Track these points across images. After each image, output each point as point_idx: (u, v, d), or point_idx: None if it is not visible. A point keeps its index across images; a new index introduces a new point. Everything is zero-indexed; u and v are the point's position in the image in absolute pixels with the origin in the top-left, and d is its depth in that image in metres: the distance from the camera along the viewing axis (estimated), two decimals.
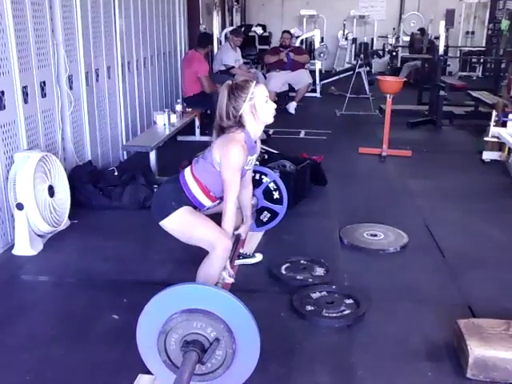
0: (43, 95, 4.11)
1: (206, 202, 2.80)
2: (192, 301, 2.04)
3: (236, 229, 3.02)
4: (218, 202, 2.83)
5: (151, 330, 2.07)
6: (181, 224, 2.75)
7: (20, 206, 3.50)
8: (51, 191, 3.73)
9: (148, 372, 2.30)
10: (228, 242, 2.66)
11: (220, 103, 2.71)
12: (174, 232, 2.78)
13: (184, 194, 2.75)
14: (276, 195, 3.81)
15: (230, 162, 2.63)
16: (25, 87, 3.83)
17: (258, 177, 3.76)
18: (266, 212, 3.85)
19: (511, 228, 4.21)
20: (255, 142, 2.85)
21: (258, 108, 2.69)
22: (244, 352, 2.07)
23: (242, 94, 2.67)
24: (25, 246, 3.56)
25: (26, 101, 3.85)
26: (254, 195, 3.64)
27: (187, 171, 2.80)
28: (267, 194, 3.82)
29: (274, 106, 2.77)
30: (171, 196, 2.77)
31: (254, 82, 2.73)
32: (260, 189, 3.77)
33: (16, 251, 3.57)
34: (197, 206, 2.79)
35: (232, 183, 2.66)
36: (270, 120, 2.78)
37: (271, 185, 3.82)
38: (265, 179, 3.83)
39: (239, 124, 2.71)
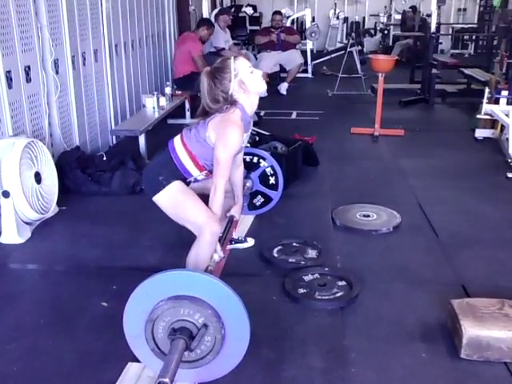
0: (28, 80, 4.03)
1: (194, 172, 2.72)
2: (178, 287, 2.01)
3: (228, 210, 2.98)
4: (205, 172, 2.73)
5: (138, 318, 2.04)
6: (171, 202, 2.70)
7: (6, 194, 3.44)
8: (38, 178, 3.67)
9: (138, 360, 2.27)
10: (216, 226, 2.61)
11: (203, 92, 2.62)
12: (165, 209, 2.73)
13: (172, 163, 2.68)
14: (272, 180, 3.76)
15: (227, 144, 2.56)
16: (8, 72, 3.74)
17: (255, 160, 3.70)
18: (259, 196, 3.80)
19: (504, 206, 4.19)
20: (251, 118, 2.78)
21: (246, 81, 2.61)
22: (234, 337, 2.04)
23: (224, 74, 2.59)
24: (12, 234, 3.50)
25: (10, 86, 3.77)
26: (249, 178, 3.60)
27: (177, 139, 2.73)
28: (263, 178, 3.76)
29: (261, 72, 2.70)
30: (160, 170, 2.71)
31: (232, 58, 2.65)
32: (256, 172, 3.71)
33: (3, 239, 3.51)
34: (184, 176, 2.72)
35: (225, 166, 2.59)
36: (263, 88, 2.70)
37: (268, 169, 3.75)
38: (262, 163, 3.76)
39: (232, 103, 2.63)
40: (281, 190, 3.77)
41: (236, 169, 2.95)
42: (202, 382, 2.20)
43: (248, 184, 3.56)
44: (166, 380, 1.79)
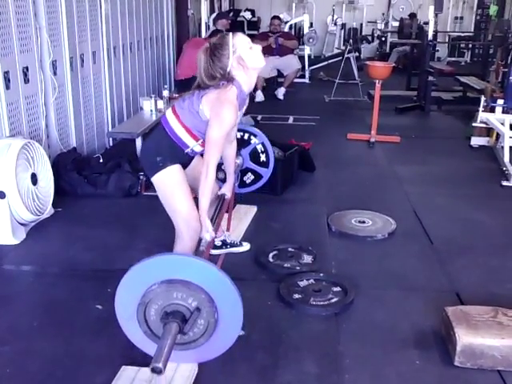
0: (26, 81, 4.02)
1: (190, 142, 2.66)
2: (171, 271, 1.99)
3: (219, 188, 2.96)
4: (201, 142, 2.66)
5: (130, 301, 2.01)
6: (162, 188, 2.69)
7: (2, 195, 3.43)
8: (34, 179, 3.66)
9: (132, 363, 2.27)
10: (195, 232, 2.60)
11: (200, 69, 2.57)
12: (158, 192, 2.72)
13: (167, 137, 2.64)
14: (263, 158, 3.70)
15: (221, 123, 2.51)
16: (6, 72, 3.74)
17: (246, 137, 3.65)
18: (250, 174, 3.74)
19: (498, 214, 4.21)
20: (247, 95, 2.74)
21: (244, 57, 2.56)
22: (226, 320, 2.03)
23: (223, 51, 2.54)
24: (7, 235, 3.49)
25: (7, 86, 3.77)
26: (240, 155, 3.54)
27: (168, 111, 2.69)
28: (254, 155, 3.70)
29: (260, 47, 2.65)
30: (156, 147, 2.69)
31: (231, 34, 2.60)
32: (247, 149, 3.64)
33: None
34: (181, 148, 2.67)
35: (217, 144, 2.54)
36: (262, 63, 2.64)
37: (259, 146, 3.70)
38: (253, 140, 3.70)
39: (229, 79, 2.58)
40: (271, 167, 3.71)
41: (229, 144, 2.90)
42: (192, 362, 2.18)
43: (238, 161, 3.48)
44: (160, 365, 1.78)
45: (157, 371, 1.79)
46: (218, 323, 2.01)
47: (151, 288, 1.97)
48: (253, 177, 3.76)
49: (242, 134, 3.62)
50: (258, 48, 2.63)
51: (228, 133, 2.60)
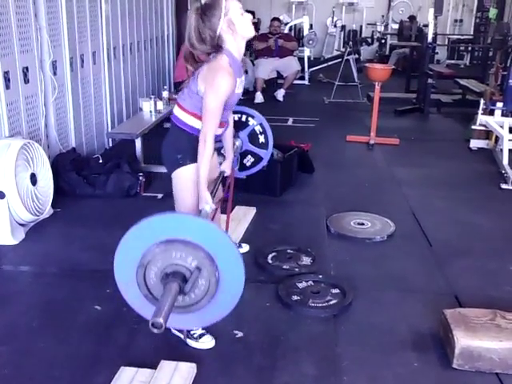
0: (26, 81, 4.03)
1: (199, 124, 2.59)
2: (170, 231, 1.95)
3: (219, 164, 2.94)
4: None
5: (129, 264, 1.97)
6: (179, 182, 2.65)
7: (1, 195, 3.43)
8: (33, 179, 3.66)
9: (130, 364, 2.27)
10: None
11: (189, 29, 2.50)
12: (173, 188, 2.69)
13: (182, 132, 2.61)
14: (262, 139, 3.61)
15: (216, 90, 2.45)
16: (6, 72, 3.75)
17: (244, 119, 3.59)
18: (249, 156, 3.65)
19: (497, 216, 4.21)
20: (241, 62, 2.67)
21: (235, 22, 2.50)
22: (228, 280, 1.97)
23: (215, 11, 2.48)
24: (6, 235, 3.49)
25: (7, 86, 3.77)
26: (238, 137, 3.47)
27: (175, 108, 2.66)
28: (252, 137, 3.61)
29: (251, 16, 2.60)
30: (174, 144, 2.66)
31: None
32: (245, 131, 3.56)
33: None
34: (195, 135, 2.59)
35: (214, 113, 2.48)
36: (251, 32, 2.58)
37: (257, 128, 3.60)
38: (251, 121, 3.60)
39: (217, 47, 2.53)
40: (271, 148, 3.63)
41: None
42: (197, 327, 2.15)
43: (237, 143, 3.41)
44: (160, 319, 1.75)
45: (157, 326, 1.75)
46: (219, 283, 1.95)
47: (150, 249, 1.92)
48: (252, 159, 3.66)
49: (239, 116, 3.53)
50: (248, 16, 2.58)
51: (224, 101, 2.51)
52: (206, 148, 2.48)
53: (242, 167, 3.67)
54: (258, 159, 3.66)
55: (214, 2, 2.50)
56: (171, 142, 2.71)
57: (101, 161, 4.58)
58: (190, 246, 1.91)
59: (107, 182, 4.33)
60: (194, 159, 2.58)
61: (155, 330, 1.76)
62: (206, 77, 2.49)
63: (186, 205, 2.66)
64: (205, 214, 2.46)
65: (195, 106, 2.57)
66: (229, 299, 2.03)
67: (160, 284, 1.94)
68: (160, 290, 1.94)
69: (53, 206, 3.92)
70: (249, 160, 3.66)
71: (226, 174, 2.98)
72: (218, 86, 2.45)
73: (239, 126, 3.51)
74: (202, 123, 2.51)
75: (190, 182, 2.62)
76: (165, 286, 1.91)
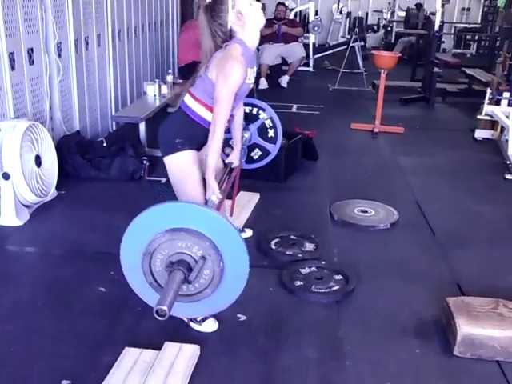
0: (31, 62, 4.01)
1: (209, 116, 2.58)
2: (176, 220, 1.97)
3: (227, 156, 2.94)
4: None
5: (135, 251, 2.00)
6: (176, 171, 2.64)
7: (6, 176, 3.43)
8: (38, 161, 3.67)
9: (135, 345, 2.29)
10: None
11: (202, 32, 2.51)
12: (169, 174, 2.68)
13: (187, 117, 2.60)
14: (271, 133, 3.61)
15: (227, 79, 2.44)
16: (11, 53, 3.73)
17: (255, 111, 3.59)
18: (257, 149, 3.66)
19: (501, 206, 4.21)
20: (253, 52, 2.67)
21: (244, 13, 2.50)
22: (233, 270, 2.00)
23: (222, 6, 2.48)
24: (11, 217, 3.50)
25: (12, 67, 3.76)
26: (248, 130, 3.49)
27: (187, 96, 2.64)
28: (262, 130, 3.63)
29: (260, 5, 2.58)
30: (176, 129, 2.64)
31: None
32: (255, 125, 3.57)
33: (1, 221, 3.51)
34: (204, 126, 2.59)
35: (225, 102, 2.47)
36: (262, 20, 2.57)
37: (267, 122, 3.62)
38: (262, 115, 3.61)
39: (230, 36, 2.53)
40: (279, 143, 3.64)
41: (236, 109, 2.81)
42: (202, 316, 2.18)
43: (246, 135, 3.44)
44: (164, 307, 1.77)
45: (161, 314, 1.77)
46: (223, 272, 1.98)
47: (156, 237, 1.95)
48: (260, 153, 3.67)
49: (250, 108, 3.53)
50: (257, 5, 2.57)
51: (236, 91, 2.51)
52: (215, 137, 2.48)
53: (250, 160, 3.69)
54: (265, 153, 3.68)
55: None
56: (172, 125, 2.69)
57: (105, 144, 4.58)
58: (196, 236, 1.94)
59: (111, 165, 4.33)
60: (192, 146, 2.59)
61: (159, 318, 1.79)
62: (217, 65, 2.49)
63: (187, 193, 2.65)
64: (211, 203, 2.47)
65: (204, 91, 2.56)
66: (232, 289, 2.06)
67: (165, 272, 1.97)
68: (165, 277, 1.97)
69: (57, 188, 3.93)
70: (256, 153, 3.67)
71: (233, 166, 2.97)
72: (229, 75, 2.44)
73: (250, 118, 3.51)
74: (213, 113, 2.50)
75: (188, 168, 2.62)
76: (169, 274, 1.94)
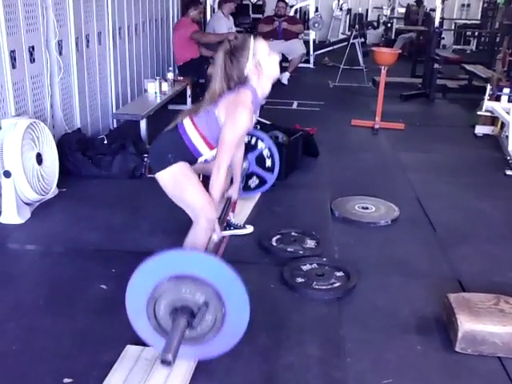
0: (32, 60, 4.01)
1: (205, 151, 2.69)
2: (180, 267, 2.04)
3: (226, 190, 2.97)
4: (215, 151, 2.69)
5: (140, 296, 2.07)
6: (172, 181, 2.68)
7: (7, 174, 3.44)
8: (39, 159, 3.67)
9: (136, 343, 2.29)
10: (212, 213, 2.62)
11: (217, 70, 2.58)
12: (166, 188, 2.71)
13: (183, 143, 2.65)
14: (268, 163, 3.75)
15: (236, 125, 2.53)
16: (12, 51, 3.73)
17: (253, 141, 3.67)
18: (255, 178, 3.79)
19: (502, 202, 4.21)
20: (261, 100, 2.77)
21: (262, 63, 2.58)
22: (234, 315, 2.07)
23: (243, 52, 2.56)
24: (12, 214, 3.51)
25: (13, 65, 3.76)
26: (246, 159, 3.58)
27: (187, 121, 2.68)
28: (260, 160, 3.74)
29: (278, 58, 2.68)
30: (169, 147, 2.69)
31: (252, 37, 2.61)
32: (253, 154, 3.67)
33: (3, 219, 3.52)
34: (195, 156, 2.70)
35: (230, 147, 2.57)
36: (277, 73, 2.68)
37: (265, 151, 3.74)
38: (260, 145, 3.73)
39: (244, 83, 2.60)
40: (276, 172, 3.74)
41: (237, 148, 2.90)
42: (202, 359, 2.22)
43: (244, 165, 3.52)
44: (169, 356, 1.83)
45: (166, 363, 1.84)
46: (225, 318, 2.05)
47: (161, 283, 2.02)
48: (257, 181, 3.82)
49: (249, 137, 3.66)
50: (276, 57, 2.67)
51: (242, 136, 2.64)
52: (219, 178, 2.58)
53: (247, 188, 3.82)
54: (262, 182, 3.83)
55: (243, 44, 2.58)
56: (165, 144, 2.75)
57: (106, 141, 4.58)
58: (199, 282, 2.01)
59: (112, 162, 4.33)
60: (183, 160, 2.65)
61: (165, 366, 1.86)
62: (228, 107, 2.56)
63: (192, 200, 2.68)
64: (212, 243, 2.58)
65: (208, 129, 2.63)
66: (234, 334, 2.13)
67: (168, 317, 2.04)
68: (168, 322, 2.04)
69: (58, 185, 3.93)
70: (254, 181, 3.82)
71: (233, 200, 3.07)
72: (238, 120, 2.53)
73: (248, 147, 3.60)
74: (217, 154, 2.60)
75: (185, 176, 2.67)
76: (173, 321, 2.01)
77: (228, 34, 7.01)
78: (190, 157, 2.70)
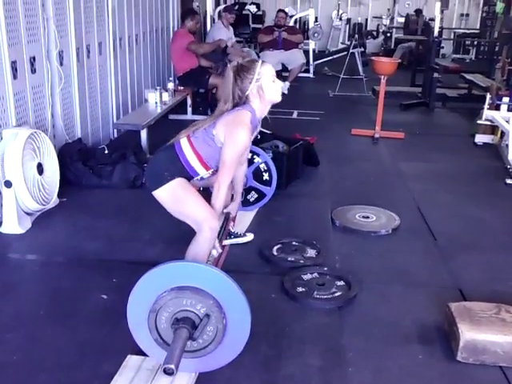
0: (33, 71, 4.03)
1: (201, 171, 2.74)
2: (181, 278, 2.05)
3: (225, 206, 2.99)
4: (212, 171, 2.76)
5: (141, 308, 2.07)
6: (172, 197, 2.70)
7: (8, 184, 3.44)
8: (40, 169, 3.67)
9: (137, 353, 2.29)
10: (215, 222, 2.63)
11: (224, 87, 2.66)
12: (165, 204, 2.74)
13: (179, 162, 2.69)
14: (266, 176, 3.80)
15: (235, 145, 2.58)
16: (14, 62, 3.75)
17: (249, 156, 3.71)
18: (253, 192, 3.84)
19: (502, 212, 4.22)
20: (259, 121, 2.81)
21: (265, 88, 2.65)
22: (235, 327, 2.07)
23: (248, 74, 2.62)
24: (13, 224, 3.51)
25: (15, 76, 3.77)
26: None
27: (184, 140, 2.72)
28: (257, 174, 3.79)
29: (281, 84, 2.74)
30: (165, 165, 2.72)
31: (260, 61, 2.68)
32: (250, 168, 3.73)
33: (3, 229, 3.52)
34: (191, 175, 2.74)
35: (231, 165, 2.62)
36: (278, 99, 2.73)
37: (262, 166, 3.81)
38: (256, 159, 3.81)
39: (244, 103, 2.67)
40: (274, 186, 3.79)
41: (239, 166, 2.96)
42: (203, 371, 2.22)
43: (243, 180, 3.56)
44: (172, 366, 1.83)
45: (169, 372, 1.84)
46: (226, 330, 2.06)
47: (162, 295, 2.03)
48: (256, 195, 3.87)
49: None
50: (279, 84, 2.72)
51: (241, 155, 2.67)
52: (219, 196, 2.63)
53: (246, 202, 3.87)
54: (261, 196, 3.88)
55: (250, 66, 2.64)
56: (162, 162, 2.79)
57: (106, 151, 4.59)
58: (200, 294, 2.02)
59: (113, 172, 4.34)
60: (180, 176, 2.69)
61: (167, 375, 1.87)
62: (227, 126, 2.61)
63: (193, 212, 2.70)
64: (211, 258, 2.63)
65: (205, 149, 2.67)
66: (234, 346, 2.13)
67: (170, 328, 2.05)
68: (169, 333, 2.05)
69: (59, 195, 3.94)
70: (252, 196, 3.89)
71: (232, 215, 3.11)
72: (237, 140, 2.58)
73: None
74: (218, 173, 2.64)
75: (184, 190, 2.70)
76: (175, 332, 2.01)
77: (219, 42, 7.05)
78: (187, 174, 2.74)
